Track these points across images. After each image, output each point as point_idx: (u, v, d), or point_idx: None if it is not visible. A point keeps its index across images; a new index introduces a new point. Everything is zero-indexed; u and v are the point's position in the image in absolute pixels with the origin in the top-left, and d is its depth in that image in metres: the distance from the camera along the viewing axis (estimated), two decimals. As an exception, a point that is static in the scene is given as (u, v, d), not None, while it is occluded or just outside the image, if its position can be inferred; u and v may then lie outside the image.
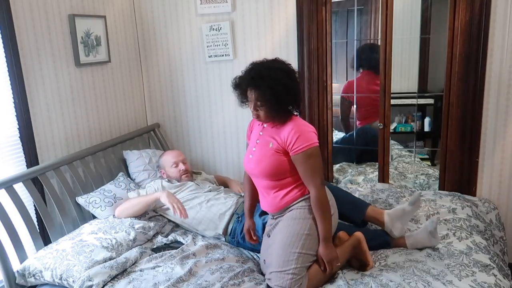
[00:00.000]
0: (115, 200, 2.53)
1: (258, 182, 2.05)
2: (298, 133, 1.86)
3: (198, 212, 2.46)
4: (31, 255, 2.20)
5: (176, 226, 2.54)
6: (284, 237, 1.91)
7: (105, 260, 2.08)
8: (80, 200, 2.50)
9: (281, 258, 1.87)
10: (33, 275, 2.09)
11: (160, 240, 2.36)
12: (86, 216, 2.55)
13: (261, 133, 2.02)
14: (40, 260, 2.11)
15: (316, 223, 1.91)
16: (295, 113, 1.96)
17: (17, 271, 2.12)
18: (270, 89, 1.83)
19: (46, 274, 2.06)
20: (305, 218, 1.92)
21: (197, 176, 2.88)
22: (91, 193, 2.54)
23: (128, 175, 2.91)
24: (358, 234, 2.05)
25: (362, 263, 2.03)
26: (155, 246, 2.32)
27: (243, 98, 1.96)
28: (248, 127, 2.16)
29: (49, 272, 2.06)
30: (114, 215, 2.45)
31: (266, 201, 2.03)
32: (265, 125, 2.01)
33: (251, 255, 2.26)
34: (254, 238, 2.17)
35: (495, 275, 1.86)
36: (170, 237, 2.39)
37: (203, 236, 2.42)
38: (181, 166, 2.75)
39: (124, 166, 2.95)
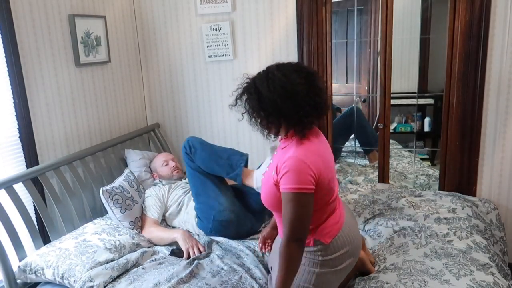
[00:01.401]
0: (133, 204, 2.48)
1: None
2: (289, 167, 1.54)
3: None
4: (33, 251, 2.19)
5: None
6: None
7: (107, 262, 2.08)
8: (106, 193, 2.42)
9: None
10: (34, 272, 2.09)
11: (163, 251, 2.31)
12: (86, 216, 2.55)
13: (275, 152, 1.78)
14: (43, 257, 2.10)
15: (321, 280, 1.68)
16: (300, 134, 1.62)
17: (18, 267, 2.12)
18: (246, 90, 1.64)
19: (48, 272, 2.06)
20: (309, 271, 1.69)
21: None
22: (114, 188, 2.47)
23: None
24: (362, 256, 1.94)
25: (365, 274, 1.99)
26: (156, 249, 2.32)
27: None
28: None
29: (51, 270, 2.05)
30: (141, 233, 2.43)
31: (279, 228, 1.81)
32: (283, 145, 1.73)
33: (239, 247, 2.22)
34: (267, 249, 1.97)
35: (493, 274, 1.86)
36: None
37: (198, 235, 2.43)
38: (172, 163, 2.81)
39: (124, 167, 2.95)
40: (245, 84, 1.65)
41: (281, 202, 1.59)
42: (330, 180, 1.65)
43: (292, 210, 1.55)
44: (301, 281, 1.68)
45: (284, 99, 1.56)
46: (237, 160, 2.34)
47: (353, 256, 1.77)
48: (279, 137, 1.74)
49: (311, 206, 1.57)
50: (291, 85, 1.56)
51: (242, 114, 1.67)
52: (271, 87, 1.56)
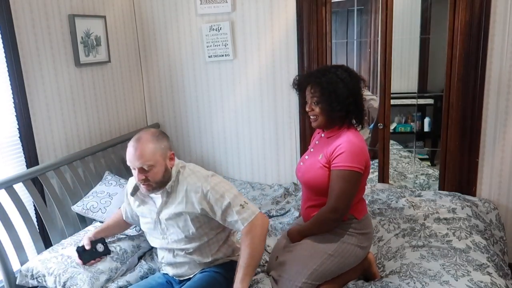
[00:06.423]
0: (111, 198, 2.48)
1: (303, 189, 2.03)
2: (344, 149, 1.77)
3: None
4: (34, 256, 2.17)
5: None
6: (307, 249, 1.86)
7: (110, 270, 2.05)
8: (77, 208, 2.45)
9: (295, 268, 1.80)
10: (36, 278, 2.06)
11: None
12: (86, 217, 2.54)
13: (317, 142, 1.98)
14: (44, 264, 2.07)
15: (344, 247, 1.84)
16: (355, 125, 1.90)
17: (20, 271, 2.10)
18: (329, 84, 1.80)
19: (49, 280, 2.03)
20: (333, 239, 1.86)
21: (178, 176, 1.83)
22: (84, 199, 2.49)
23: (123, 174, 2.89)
24: (369, 256, 2.00)
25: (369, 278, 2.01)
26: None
27: (302, 99, 1.93)
28: (312, 137, 2.12)
29: (53, 278, 2.02)
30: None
31: (304, 208, 2.00)
32: (322, 134, 1.96)
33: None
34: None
35: (489, 274, 1.87)
36: None
37: None
38: (135, 173, 1.79)
39: (124, 167, 2.95)
40: (328, 75, 1.83)
41: (327, 179, 1.81)
42: (370, 167, 1.90)
43: (341, 185, 1.77)
44: (323, 247, 1.84)
45: (358, 91, 1.86)
46: None
47: (371, 241, 1.97)
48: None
49: (358, 185, 1.81)
50: (359, 82, 1.87)
51: (316, 102, 1.85)
52: (356, 83, 1.85)
